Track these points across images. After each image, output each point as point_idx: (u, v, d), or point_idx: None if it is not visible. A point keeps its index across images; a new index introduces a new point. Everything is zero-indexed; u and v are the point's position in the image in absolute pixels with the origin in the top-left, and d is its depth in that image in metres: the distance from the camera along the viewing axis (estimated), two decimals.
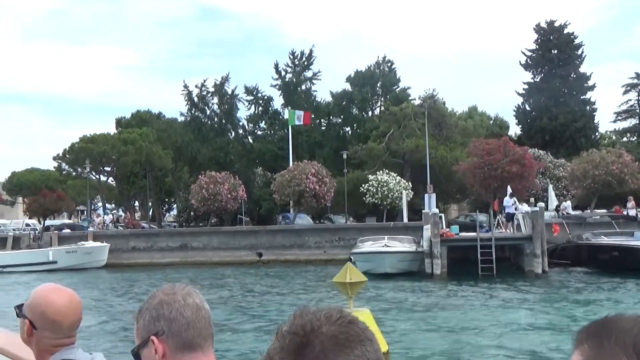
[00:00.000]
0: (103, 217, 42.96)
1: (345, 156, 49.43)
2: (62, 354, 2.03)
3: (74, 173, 62.87)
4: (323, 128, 65.69)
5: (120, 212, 68.83)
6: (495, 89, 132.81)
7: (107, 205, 79.53)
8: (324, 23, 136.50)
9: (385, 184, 43.79)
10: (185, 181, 68.85)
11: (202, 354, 1.54)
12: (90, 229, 41.11)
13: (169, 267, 38.18)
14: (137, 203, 78.41)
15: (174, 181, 72.13)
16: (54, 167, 63.02)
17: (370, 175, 45.61)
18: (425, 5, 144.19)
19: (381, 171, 45.88)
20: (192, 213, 66.69)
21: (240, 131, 67.89)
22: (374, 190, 44.52)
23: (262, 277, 32.21)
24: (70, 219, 74.43)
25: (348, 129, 65.58)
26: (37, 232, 42.76)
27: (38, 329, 2.00)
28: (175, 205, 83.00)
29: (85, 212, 53.92)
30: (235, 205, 46.61)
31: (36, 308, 2.01)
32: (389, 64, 64.51)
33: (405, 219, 40.02)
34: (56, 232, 41.48)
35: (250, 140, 67.72)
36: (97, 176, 59.22)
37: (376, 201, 44.26)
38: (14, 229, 52.89)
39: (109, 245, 38.12)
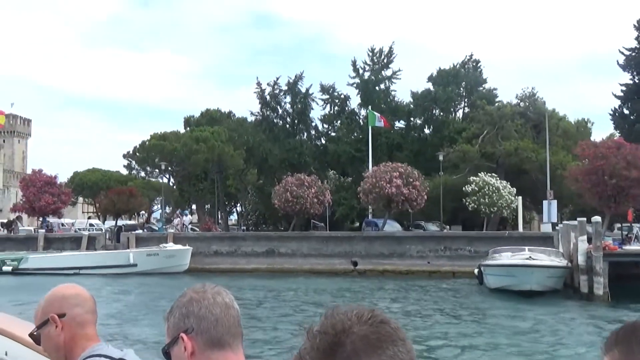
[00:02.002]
0: (182, 219, 40.07)
1: (441, 158, 45.45)
2: (93, 349, 1.99)
3: (142, 173, 60.54)
4: (402, 129, 61.81)
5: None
6: (571, 92, 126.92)
7: (166, 208, 78.11)
8: (378, 30, 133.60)
9: (496, 189, 39.55)
10: (253, 183, 66.07)
11: (231, 352, 1.53)
12: (170, 230, 38.20)
13: (254, 274, 35.00)
14: (194, 206, 75.82)
15: (240, 183, 69.51)
16: (124, 165, 60.64)
17: (473, 178, 41.43)
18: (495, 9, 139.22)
19: (484, 173, 41.68)
20: (262, 216, 63.87)
21: (313, 132, 64.72)
22: (478, 195, 40.32)
23: (367, 290, 28.60)
24: (131, 220, 72.21)
25: (429, 130, 61.50)
26: (110, 232, 40.08)
27: (67, 313, 1.98)
28: (236, 209, 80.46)
29: (160, 213, 51.25)
30: (320, 209, 43.23)
31: (53, 301, 1.98)
32: (475, 63, 60.26)
33: (521, 228, 35.82)
34: (133, 232, 38.73)
35: (324, 141, 64.37)
36: (164, 176, 56.62)
37: (483, 207, 39.97)
38: (79, 229, 50.82)
39: (192, 248, 35.12)
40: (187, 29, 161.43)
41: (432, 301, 22.97)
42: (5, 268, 34.82)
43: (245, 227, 62.54)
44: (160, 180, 66.54)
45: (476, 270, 26.86)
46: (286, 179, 43.84)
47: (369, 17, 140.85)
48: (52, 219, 45.87)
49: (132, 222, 63.10)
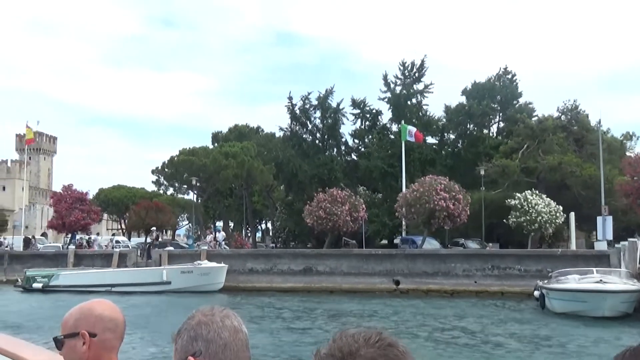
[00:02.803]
0: (215, 235, 38.80)
1: (482, 172, 43.84)
2: None
3: (170, 190, 59.63)
4: (434, 144, 60.27)
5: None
6: (612, 105, 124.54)
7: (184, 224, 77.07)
8: (402, 45, 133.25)
9: (546, 204, 37.84)
10: (282, 199, 64.84)
11: None
12: (203, 247, 36.96)
13: (291, 293, 33.57)
14: (218, 223, 74.64)
15: (267, 199, 68.34)
16: (152, 181, 59.69)
17: (518, 194, 39.73)
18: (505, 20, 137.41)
19: (531, 191, 39.96)
20: (291, 233, 62.51)
21: (343, 147, 63.46)
22: (521, 211, 38.62)
23: (413, 310, 27.01)
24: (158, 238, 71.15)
25: (462, 145, 59.87)
26: (141, 248, 38.99)
27: (98, 334, 1.95)
28: (260, 226, 79.18)
29: (188, 229, 50.15)
30: (355, 226, 41.82)
31: (89, 317, 1.95)
32: (511, 76, 58.71)
33: (574, 246, 34.02)
34: (165, 249, 37.56)
35: (354, 157, 63.06)
36: (193, 192, 55.57)
37: (526, 224, 38.25)
38: (106, 245, 49.92)
39: (227, 266, 33.82)
40: (209, 48, 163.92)
41: (494, 325, 21.30)
42: (35, 285, 33.85)
43: (274, 245, 61.14)
44: (186, 197, 65.81)
45: (536, 293, 25.16)
46: (318, 196, 42.57)
47: (392, 33, 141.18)
48: (92, 235, 45.03)
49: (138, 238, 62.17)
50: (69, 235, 48.24)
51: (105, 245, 48.52)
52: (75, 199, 44.30)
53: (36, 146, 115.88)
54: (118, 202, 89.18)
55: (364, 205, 42.39)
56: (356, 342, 1.00)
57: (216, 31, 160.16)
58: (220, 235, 39.09)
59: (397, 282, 33.32)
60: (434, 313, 25.44)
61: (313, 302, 30.39)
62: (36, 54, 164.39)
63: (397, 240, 50.82)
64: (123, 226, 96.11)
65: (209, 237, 38.39)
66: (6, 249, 47.12)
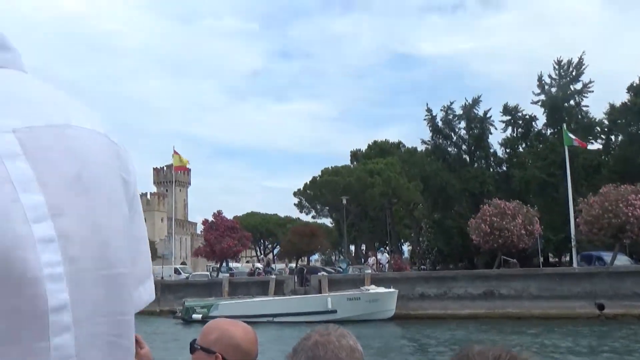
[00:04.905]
0: (377, 257, 35.60)
1: None
2: None
3: (313, 212, 57.41)
4: (599, 149, 54.00)
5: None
6: None
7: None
8: (527, 56, 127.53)
9: None
10: (428, 216, 60.86)
11: None
12: (367, 271, 33.76)
13: (470, 320, 29.47)
14: (353, 247, 71.47)
15: (409, 218, 64.60)
16: (295, 204, 57.73)
17: None
18: None
19: None
20: (440, 253, 58.24)
21: (492, 158, 58.66)
22: None
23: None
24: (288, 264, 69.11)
25: (631, 147, 53.08)
26: (294, 274, 36.52)
27: None
28: (402, 246, 75.33)
29: (340, 251, 47.46)
30: (529, 242, 37.08)
31: (229, 343, 1.94)
32: None
33: None
34: (325, 274, 34.77)
35: (505, 168, 58.00)
36: (341, 212, 52.82)
37: None
38: (248, 272, 48.25)
39: (397, 291, 30.33)
40: (327, 75, 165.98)
41: None
42: (195, 316, 32.10)
43: (424, 267, 57.10)
44: (319, 220, 63.46)
45: None
46: (483, 208, 38.37)
47: (511, 46, 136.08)
48: (260, 264, 43.57)
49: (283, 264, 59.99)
50: (218, 264, 47.05)
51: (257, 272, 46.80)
52: (226, 227, 43.04)
53: (171, 178, 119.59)
54: (253, 229, 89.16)
55: (538, 218, 37.57)
56: None
57: (332, 58, 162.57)
58: (384, 258, 35.76)
59: (601, 306, 28.25)
60: None
61: (498, 332, 26.21)
62: (167, 93, 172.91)
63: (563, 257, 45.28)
64: (259, 253, 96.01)
65: (371, 260, 35.18)
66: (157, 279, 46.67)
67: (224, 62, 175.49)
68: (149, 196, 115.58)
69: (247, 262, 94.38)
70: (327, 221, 68.13)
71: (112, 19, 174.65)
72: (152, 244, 70.56)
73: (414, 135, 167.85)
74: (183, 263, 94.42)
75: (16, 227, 0.41)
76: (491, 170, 57.79)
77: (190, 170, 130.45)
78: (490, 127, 57.40)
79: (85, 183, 0.46)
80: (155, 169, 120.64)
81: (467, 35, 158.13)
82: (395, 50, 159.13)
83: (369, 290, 30.38)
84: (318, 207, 55.82)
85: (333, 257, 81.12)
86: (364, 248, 71.74)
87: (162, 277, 47.81)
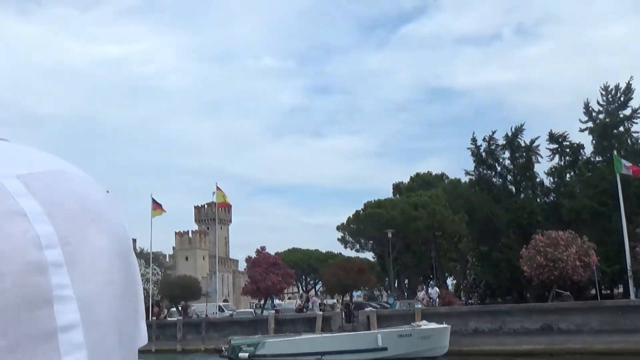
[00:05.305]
0: (427, 291, 34.58)
1: None
2: None
3: (357, 246, 56.58)
4: None
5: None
6: None
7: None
8: (567, 87, 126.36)
9: None
10: (473, 249, 59.41)
11: None
12: (417, 305, 32.71)
13: (528, 357, 28.16)
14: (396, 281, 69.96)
15: (453, 251, 63.25)
16: (338, 239, 57.04)
17: None
18: None
19: None
20: (488, 287, 56.54)
21: (539, 187, 57.18)
22: None
23: None
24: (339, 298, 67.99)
25: None
26: (346, 310, 35.64)
27: None
28: (449, 281, 73.55)
29: (385, 286, 46.47)
30: (585, 274, 35.61)
31: None
32: None
33: None
34: (373, 310, 33.86)
35: (553, 197, 56.41)
36: (387, 247, 51.91)
37: None
38: (296, 307, 47.45)
39: (450, 327, 29.21)
40: (364, 110, 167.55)
41: None
42: (241, 354, 31.43)
43: (471, 301, 55.45)
44: (361, 255, 62.44)
45: None
46: (536, 238, 37.14)
47: (549, 76, 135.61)
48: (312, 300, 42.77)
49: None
50: (261, 301, 46.48)
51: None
52: (269, 264, 42.61)
53: (213, 216, 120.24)
54: (294, 265, 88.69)
55: (594, 248, 36.13)
56: None
57: (368, 93, 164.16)
58: (434, 292, 34.69)
59: None
60: None
61: None
62: (205, 132, 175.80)
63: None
64: (301, 289, 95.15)
65: (421, 294, 34.14)
66: (193, 316, 46.40)
67: (262, 100, 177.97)
68: (190, 234, 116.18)
69: (289, 298, 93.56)
70: (369, 255, 67.29)
71: (153, 63, 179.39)
72: (195, 282, 70.39)
73: (454, 167, 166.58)
74: (225, 300, 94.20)
75: (31, 253, 0.44)
76: (538, 200, 56.24)
77: (231, 207, 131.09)
78: (536, 155, 56.13)
79: (89, 216, 0.48)
80: (196, 207, 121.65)
81: (504, 67, 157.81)
82: (431, 83, 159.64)
83: (420, 326, 29.31)
84: (362, 241, 54.96)
85: (374, 292, 79.75)
86: (407, 282, 70.34)
87: (207, 315, 47.49)
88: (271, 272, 41.53)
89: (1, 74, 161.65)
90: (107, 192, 0.55)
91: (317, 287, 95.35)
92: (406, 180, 63.86)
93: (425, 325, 29.41)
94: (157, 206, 44.26)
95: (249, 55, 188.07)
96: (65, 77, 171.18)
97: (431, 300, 33.96)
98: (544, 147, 55.61)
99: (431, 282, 43.64)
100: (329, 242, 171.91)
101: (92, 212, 0.49)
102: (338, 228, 55.93)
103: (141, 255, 66.95)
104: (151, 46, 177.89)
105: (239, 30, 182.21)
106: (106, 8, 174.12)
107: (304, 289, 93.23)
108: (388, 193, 64.78)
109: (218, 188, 44.57)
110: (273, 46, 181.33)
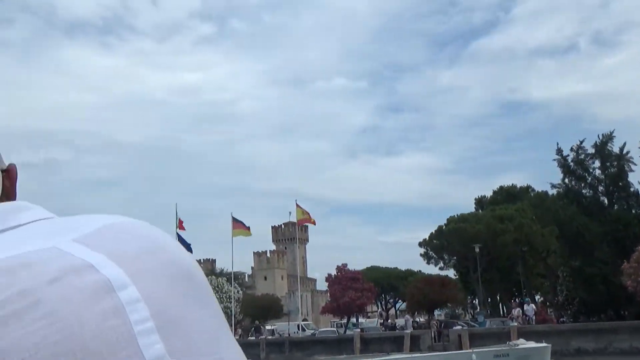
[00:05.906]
0: (523, 308, 32.74)
1: None
2: None
3: (441, 262, 54.85)
4: None
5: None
6: None
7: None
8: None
9: None
10: (564, 265, 56.47)
11: None
12: (513, 323, 30.98)
13: None
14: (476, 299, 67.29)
15: (541, 266, 60.31)
16: (421, 254, 55.51)
17: None
18: None
19: None
20: (582, 304, 53.52)
21: (634, 198, 53.90)
22: None
23: None
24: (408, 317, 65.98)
25: None
26: (435, 328, 34.25)
27: None
28: (537, 298, 70.28)
29: (472, 303, 44.67)
30: None
31: None
32: None
33: None
34: (465, 328, 32.35)
35: None
36: (476, 263, 49.99)
37: None
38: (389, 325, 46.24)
39: (550, 345, 27.34)
40: (436, 127, 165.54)
41: None
42: None
43: (563, 318, 52.57)
44: (442, 272, 60.41)
45: None
46: (639, 251, 34.70)
47: (631, 85, 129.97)
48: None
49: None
50: (343, 319, 45.60)
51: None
52: (349, 279, 41.72)
53: (290, 235, 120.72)
54: (375, 284, 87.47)
55: None
56: None
57: (441, 110, 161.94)
58: (530, 309, 32.81)
59: None
60: None
61: None
62: (280, 154, 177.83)
63: None
64: (381, 307, 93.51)
65: (516, 312, 32.35)
66: (275, 336, 46.14)
67: (335, 121, 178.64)
68: (268, 254, 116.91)
69: (368, 317, 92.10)
70: (450, 273, 65.30)
71: (227, 88, 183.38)
72: (277, 300, 70.40)
73: (532, 181, 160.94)
74: (305, 319, 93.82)
75: (105, 298, 0.45)
76: (634, 211, 52.99)
77: (307, 226, 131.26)
78: (629, 164, 53.02)
79: (148, 250, 0.50)
80: (273, 227, 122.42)
81: (582, 78, 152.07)
82: (505, 97, 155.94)
83: (518, 345, 27.56)
84: (445, 257, 53.26)
85: (456, 310, 77.17)
86: (490, 300, 67.61)
87: (289, 334, 47.02)
88: (350, 287, 40.61)
89: (89, 105, 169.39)
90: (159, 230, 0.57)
91: (397, 306, 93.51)
92: (488, 194, 61.71)
93: (524, 344, 27.62)
94: (238, 225, 44.19)
95: (321, 77, 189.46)
96: (146, 105, 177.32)
97: (527, 317, 32.07)
98: (637, 156, 52.57)
99: (526, 298, 41.34)
100: (406, 260, 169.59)
101: (150, 247, 0.50)
102: (420, 244, 54.40)
103: (221, 274, 67.60)
104: (226, 72, 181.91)
105: (310, 53, 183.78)
106: (182, 38, 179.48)
107: (384, 307, 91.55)
108: (467, 209, 62.67)
109: (298, 205, 44.18)
110: (345, 67, 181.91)
